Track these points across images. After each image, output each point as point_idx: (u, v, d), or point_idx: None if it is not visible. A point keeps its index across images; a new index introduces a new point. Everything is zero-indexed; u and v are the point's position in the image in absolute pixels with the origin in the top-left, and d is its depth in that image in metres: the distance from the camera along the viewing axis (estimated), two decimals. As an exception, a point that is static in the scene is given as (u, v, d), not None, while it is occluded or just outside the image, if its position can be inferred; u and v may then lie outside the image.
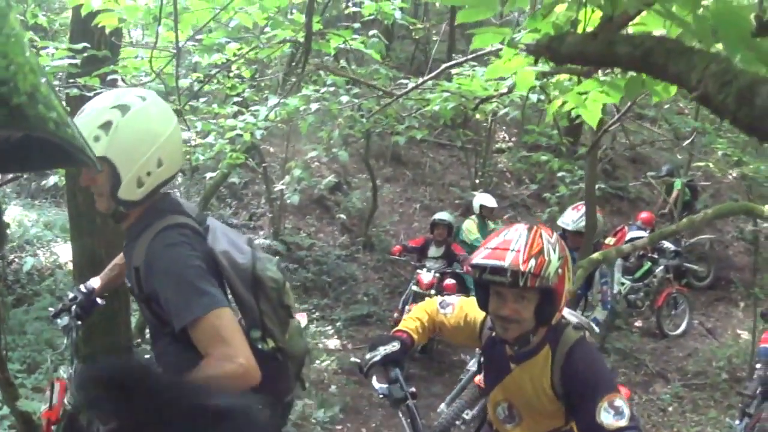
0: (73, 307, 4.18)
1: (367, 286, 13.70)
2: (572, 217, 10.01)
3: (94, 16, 5.40)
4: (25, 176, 11.92)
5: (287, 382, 3.63)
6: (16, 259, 11.31)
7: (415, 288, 10.78)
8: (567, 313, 3.73)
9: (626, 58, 1.97)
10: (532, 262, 3.28)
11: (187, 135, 6.76)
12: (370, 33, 6.50)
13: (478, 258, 3.39)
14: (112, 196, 3.19)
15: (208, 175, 7.88)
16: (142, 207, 3.29)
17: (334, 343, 11.42)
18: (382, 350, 3.80)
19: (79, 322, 4.15)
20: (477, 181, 16.72)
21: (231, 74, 6.76)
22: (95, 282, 4.32)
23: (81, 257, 7.12)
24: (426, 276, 10.79)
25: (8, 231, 12.14)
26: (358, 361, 3.94)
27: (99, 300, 4.32)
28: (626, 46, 1.96)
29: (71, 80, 5.52)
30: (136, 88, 3.48)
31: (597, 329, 4.31)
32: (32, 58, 1.19)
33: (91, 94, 5.48)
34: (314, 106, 6.72)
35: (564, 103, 3.62)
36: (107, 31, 5.59)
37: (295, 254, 13.71)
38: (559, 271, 3.36)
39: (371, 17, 6.37)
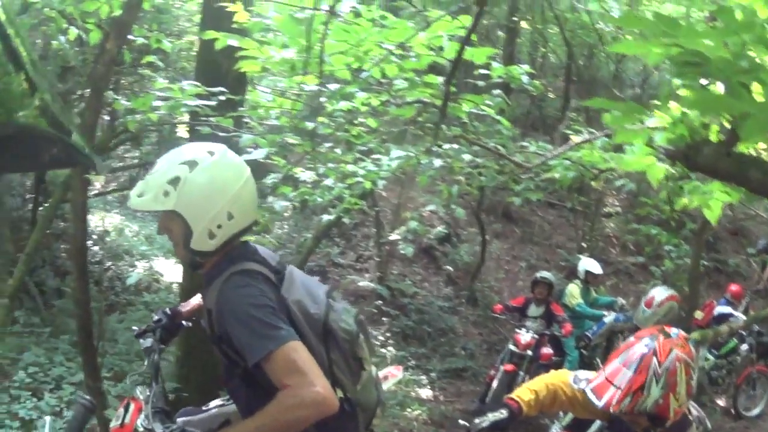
0: (158, 329, 4.20)
1: (465, 340, 13.66)
2: (645, 315, 10.21)
3: (222, 51, 5.60)
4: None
5: (356, 429, 3.57)
6: (113, 267, 11.64)
7: (512, 347, 10.64)
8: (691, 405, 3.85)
9: (756, 183, 2.03)
10: (627, 401, 3.50)
11: (307, 175, 6.88)
12: (494, 92, 6.53)
13: (589, 386, 3.67)
14: (185, 247, 3.33)
15: (324, 216, 7.97)
16: (217, 256, 3.38)
17: (426, 393, 11.37)
18: (491, 416, 3.89)
19: (162, 346, 4.17)
20: (584, 244, 16.62)
21: (356, 122, 6.83)
22: (184, 306, 4.37)
23: (191, 282, 7.30)
24: (525, 336, 10.64)
25: (107, 239, 12.49)
26: (463, 422, 3.98)
27: (185, 323, 4.37)
28: (757, 171, 2.02)
29: (203, 117, 5.69)
30: (208, 143, 3.54)
31: (709, 425, 4.37)
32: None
33: (222, 134, 5.66)
34: (437, 162, 6.73)
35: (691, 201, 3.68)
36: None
37: (399, 301, 13.75)
38: (660, 401, 3.50)
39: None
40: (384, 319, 13.22)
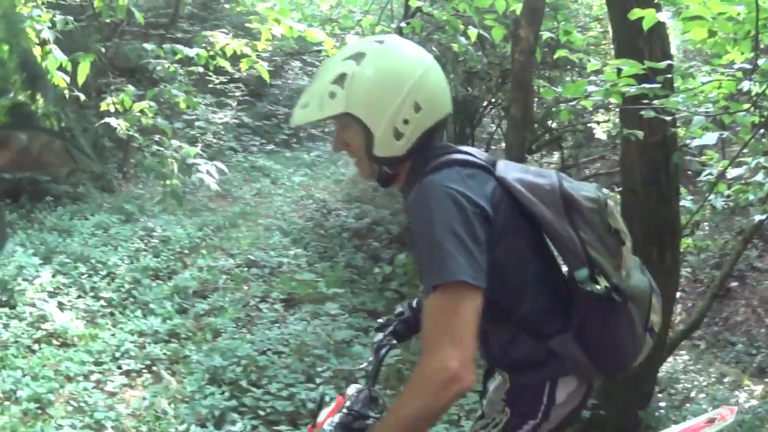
0: (395, 323, 3.58)
1: None
2: None
3: (639, 33, 5.23)
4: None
5: (633, 331, 2.89)
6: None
7: None
8: None
9: None
10: None
11: (737, 171, 6.31)
12: None
13: None
14: (369, 156, 2.77)
15: (756, 217, 7.36)
16: (409, 161, 2.82)
17: None
18: None
19: (394, 341, 3.52)
20: None
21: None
22: None
23: None
24: None
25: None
26: None
27: None
28: None
29: (645, 101, 5.17)
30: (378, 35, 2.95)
31: None
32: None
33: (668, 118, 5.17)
34: None
35: None
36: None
37: None
38: None
39: None
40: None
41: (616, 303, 2.78)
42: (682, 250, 7.69)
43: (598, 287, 2.75)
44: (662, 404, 8.59)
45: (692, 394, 9.82)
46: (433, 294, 2.49)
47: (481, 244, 2.56)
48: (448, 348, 2.42)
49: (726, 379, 10.93)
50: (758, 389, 10.81)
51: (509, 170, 2.80)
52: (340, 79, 2.70)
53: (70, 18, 7.19)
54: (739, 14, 4.64)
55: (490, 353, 2.93)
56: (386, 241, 12.10)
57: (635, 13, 5.02)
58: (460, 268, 2.47)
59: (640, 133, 5.46)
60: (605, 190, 2.98)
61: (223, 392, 7.23)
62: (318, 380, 7.63)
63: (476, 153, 2.86)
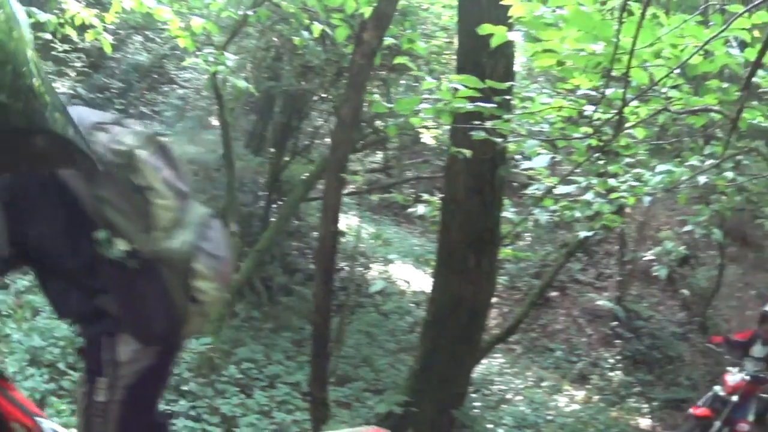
0: None
1: (690, 370, 13.16)
2: None
3: (484, 49, 5.24)
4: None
5: (166, 298, 2.70)
6: (346, 268, 11.50)
7: (717, 389, 9.19)
8: None
9: None
10: None
11: (567, 189, 6.47)
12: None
13: None
14: None
15: (582, 233, 7.59)
16: None
17: (646, 422, 11.11)
18: None
19: None
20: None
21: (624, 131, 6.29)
22: None
23: (443, 294, 7.04)
24: (733, 378, 9.09)
25: (342, 240, 12.44)
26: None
27: None
28: None
29: (477, 122, 5.20)
30: None
31: None
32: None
33: (498, 140, 5.24)
34: (702, 179, 6.13)
35: None
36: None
37: (634, 323, 13.51)
38: None
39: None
40: (617, 341, 13.16)
41: (136, 270, 2.63)
42: (501, 258, 7.89)
43: (114, 251, 2.59)
44: (477, 404, 8.78)
45: (508, 396, 10.10)
46: None
47: None
48: None
49: (544, 383, 11.35)
50: (580, 394, 11.26)
51: None
52: None
53: None
54: (594, 52, 4.69)
55: (53, 306, 2.84)
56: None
57: (485, 28, 4.78)
58: None
59: (468, 152, 5.53)
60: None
61: (42, 374, 6.98)
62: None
63: None
